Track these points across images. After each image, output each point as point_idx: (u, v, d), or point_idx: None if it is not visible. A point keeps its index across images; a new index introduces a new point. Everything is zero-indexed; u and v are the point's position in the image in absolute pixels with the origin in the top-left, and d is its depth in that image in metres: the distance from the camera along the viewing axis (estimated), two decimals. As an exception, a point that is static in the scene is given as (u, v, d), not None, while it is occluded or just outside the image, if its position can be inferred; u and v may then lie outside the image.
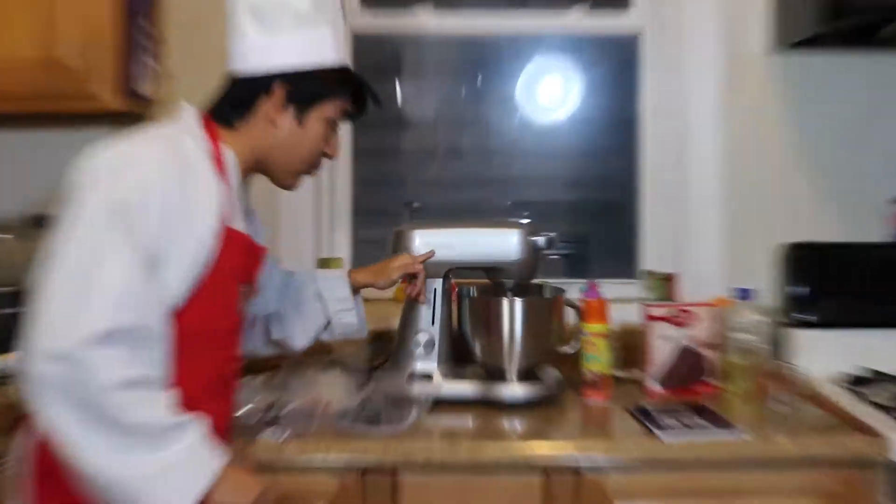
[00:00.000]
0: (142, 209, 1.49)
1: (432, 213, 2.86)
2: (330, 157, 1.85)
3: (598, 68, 2.87)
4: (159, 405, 1.48)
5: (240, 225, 1.70)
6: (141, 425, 1.44)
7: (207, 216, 1.59)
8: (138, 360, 1.46)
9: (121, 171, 1.51)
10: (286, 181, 1.83)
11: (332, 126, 1.82)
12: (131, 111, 2.33)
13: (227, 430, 1.72)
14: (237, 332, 1.75)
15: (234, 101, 1.75)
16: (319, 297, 2.09)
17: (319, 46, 1.75)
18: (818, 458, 1.92)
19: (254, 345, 2.11)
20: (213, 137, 1.72)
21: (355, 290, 2.14)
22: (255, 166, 1.79)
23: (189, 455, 1.48)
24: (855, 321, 2.45)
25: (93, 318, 1.41)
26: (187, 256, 1.55)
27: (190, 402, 1.54)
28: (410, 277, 2.19)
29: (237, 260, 1.68)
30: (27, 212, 2.44)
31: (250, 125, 1.75)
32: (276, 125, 1.75)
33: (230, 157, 1.72)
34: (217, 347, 1.69)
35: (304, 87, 1.75)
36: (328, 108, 1.79)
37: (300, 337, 2.10)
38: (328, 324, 2.11)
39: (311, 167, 1.84)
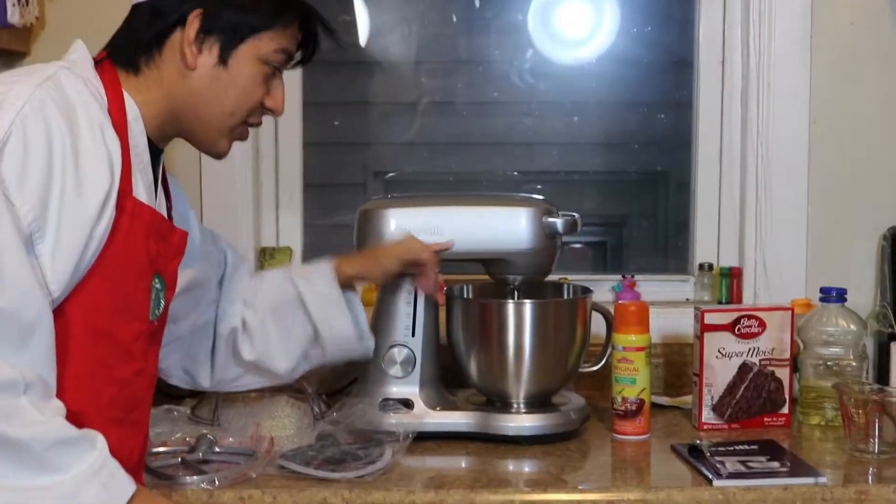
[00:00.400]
0: (14, 174, 1.54)
1: (411, 187, 2.96)
2: (271, 111, 1.89)
3: None
4: (47, 415, 1.53)
5: (145, 197, 1.73)
6: (25, 440, 1.50)
7: (98, 182, 1.62)
8: (11, 355, 1.51)
9: None
10: (212, 143, 1.87)
11: (270, 69, 1.85)
12: None
13: (135, 470, 1.77)
14: (149, 339, 1.81)
15: (140, 37, 1.78)
16: (300, 301, 2.15)
17: None
18: (923, 513, 2.00)
19: (222, 374, 2.17)
20: (112, 84, 1.75)
21: (346, 285, 2.18)
22: (171, 124, 1.83)
23: (92, 478, 1.54)
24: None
25: None
26: (71, 233, 1.59)
27: (81, 425, 1.60)
28: (414, 269, 2.23)
29: (140, 243, 1.72)
30: None
31: (161, 68, 1.78)
32: (192, 66, 1.77)
33: (133, 110, 1.76)
34: (118, 356, 1.73)
35: (226, 15, 1.78)
36: (262, 44, 1.81)
37: (281, 357, 2.15)
38: (315, 335, 2.15)
39: (244, 124, 1.87)
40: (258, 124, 1.92)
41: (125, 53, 1.79)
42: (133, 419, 1.80)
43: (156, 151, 1.83)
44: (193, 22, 1.76)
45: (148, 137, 1.78)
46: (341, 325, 2.14)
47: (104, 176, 1.64)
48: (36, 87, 1.60)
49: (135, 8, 1.81)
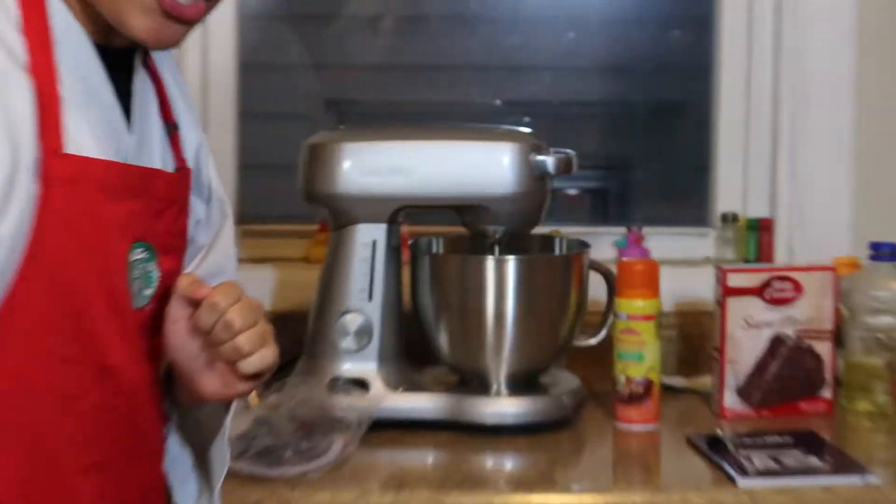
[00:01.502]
0: None
1: (371, 119, 2.97)
2: None
3: None
4: None
5: (93, 146, 1.59)
6: None
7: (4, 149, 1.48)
8: None
9: None
10: (117, 13, 1.64)
11: None
12: None
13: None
14: (140, 334, 1.68)
15: None
16: None
17: None
18: None
19: None
20: None
21: None
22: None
23: None
24: None
25: None
26: None
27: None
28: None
29: (94, 213, 1.59)
30: None
31: None
32: None
33: (62, 15, 1.62)
34: (88, 378, 1.61)
35: None
36: None
37: None
38: None
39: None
40: None
41: None
42: (120, 455, 1.67)
43: (119, 55, 1.68)
44: None
45: (105, 46, 1.63)
46: None
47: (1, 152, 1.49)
48: None
49: None
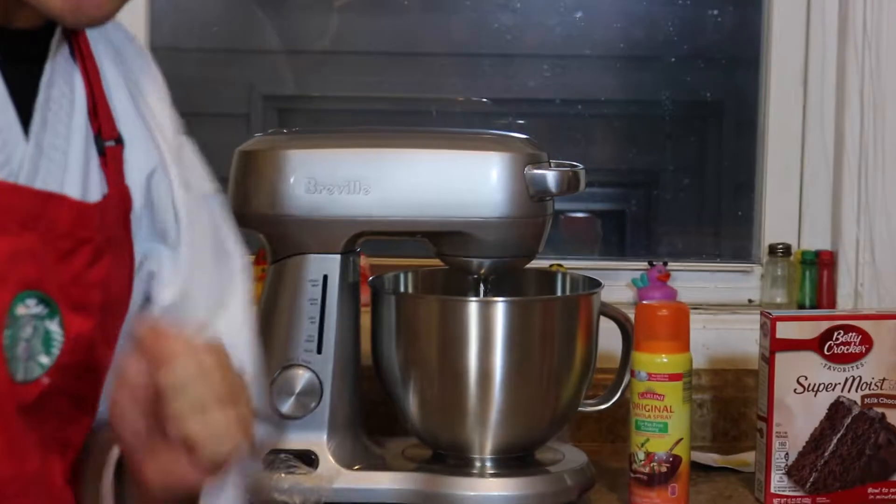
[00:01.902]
0: None
1: (322, 118, 3.01)
2: None
3: None
4: None
5: None
6: None
7: None
8: None
9: None
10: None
11: None
12: None
13: None
14: (27, 414, 1.63)
15: None
16: None
17: None
18: None
19: None
20: None
21: None
22: None
23: None
24: None
25: None
26: None
27: None
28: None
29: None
30: None
31: None
32: None
33: None
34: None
35: None
36: None
37: None
38: None
39: None
40: None
41: None
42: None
43: (23, 38, 1.66)
44: None
45: (2, 27, 1.62)
46: None
47: None
48: None
49: None
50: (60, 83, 1.65)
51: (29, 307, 1.57)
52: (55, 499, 1.65)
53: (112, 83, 1.72)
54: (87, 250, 1.64)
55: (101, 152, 1.67)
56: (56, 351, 1.60)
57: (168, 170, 1.75)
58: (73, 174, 1.63)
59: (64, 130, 1.64)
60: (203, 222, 1.80)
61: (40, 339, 1.58)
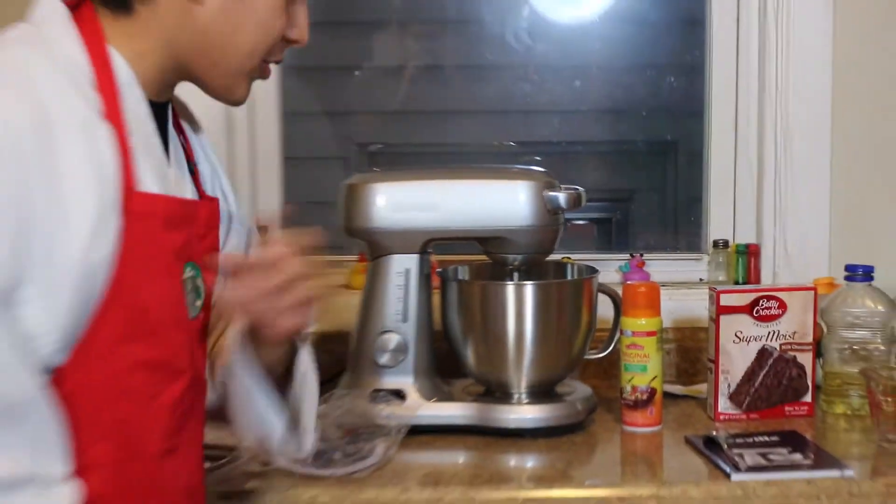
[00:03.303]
0: None
1: (399, 160, 3.02)
2: (296, 42, 1.78)
3: None
4: None
5: (156, 185, 1.63)
6: None
7: (86, 202, 1.51)
8: (17, 445, 1.46)
9: None
10: (227, 90, 1.76)
11: None
12: None
13: (195, 494, 1.78)
14: (196, 339, 1.73)
15: None
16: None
17: None
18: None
19: None
20: (95, 39, 1.62)
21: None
22: (174, 74, 1.73)
23: None
24: None
25: None
26: (63, 274, 1.50)
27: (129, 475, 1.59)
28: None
29: (159, 242, 1.64)
30: None
31: (157, 5, 1.65)
32: (198, 1, 1.65)
33: (125, 73, 1.64)
34: (163, 380, 1.66)
35: None
36: None
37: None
38: None
39: (265, 61, 1.77)
40: (280, 61, 1.80)
41: None
42: (187, 439, 1.74)
43: (159, 107, 1.73)
44: None
45: (151, 101, 1.69)
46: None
47: (93, 191, 1.52)
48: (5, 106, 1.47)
49: None
50: (174, 132, 1.77)
51: (189, 272, 1.68)
52: (205, 389, 1.79)
53: (187, 130, 1.84)
54: (214, 230, 1.79)
55: (192, 171, 1.79)
56: (202, 297, 1.74)
57: (224, 181, 1.91)
58: (189, 186, 1.76)
59: (181, 161, 1.77)
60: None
61: (195, 291, 1.71)
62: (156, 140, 1.67)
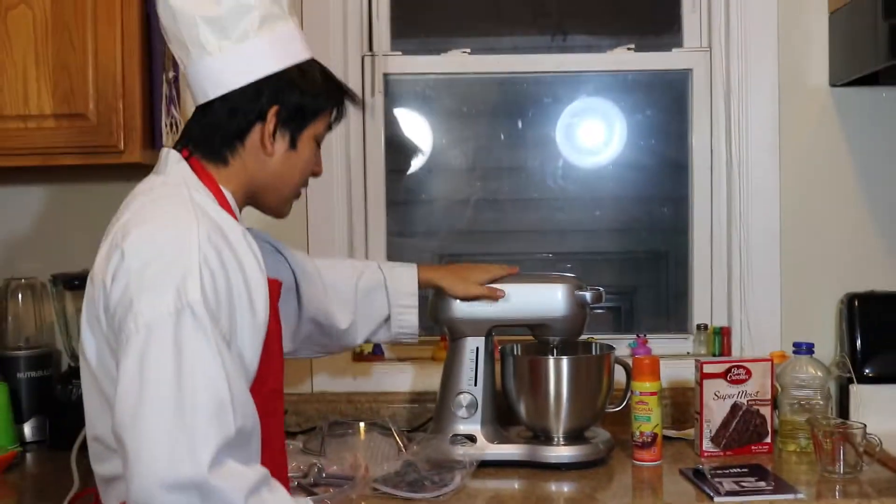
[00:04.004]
0: (209, 301, 1.50)
1: None
2: (317, 175, 1.86)
3: (646, 110, 2.99)
4: (280, 496, 1.54)
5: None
6: None
7: (260, 287, 1.59)
8: (248, 458, 1.50)
9: (173, 264, 1.51)
10: (280, 209, 1.83)
11: (319, 143, 1.82)
12: (150, 163, 2.42)
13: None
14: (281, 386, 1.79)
15: (222, 133, 1.70)
16: (385, 288, 2.20)
17: (290, 44, 1.72)
18: (883, 522, 2.01)
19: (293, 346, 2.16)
20: (210, 181, 1.70)
21: (424, 287, 2.24)
22: (247, 201, 1.79)
23: None
24: (923, 376, 2.55)
25: (205, 437, 1.43)
26: (254, 338, 1.58)
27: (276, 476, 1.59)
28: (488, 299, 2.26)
29: (274, 307, 1.68)
30: (42, 269, 2.63)
31: (244, 158, 1.72)
32: (270, 154, 1.72)
33: (232, 202, 1.72)
34: (279, 400, 1.74)
35: (295, 108, 1.72)
36: (318, 126, 1.78)
37: (356, 329, 2.20)
38: (388, 319, 2.22)
39: (301, 190, 1.85)
40: (306, 186, 1.87)
41: (212, 149, 1.71)
42: (284, 458, 1.80)
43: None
44: (272, 118, 1.70)
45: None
46: (409, 319, 2.21)
47: (260, 273, 1.61)
48: (197, 223, 1.56)
49: (204, 107, 1.72)
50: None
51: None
52: None
53: None
54: (278, 298, 1.76)
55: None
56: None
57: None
58: None
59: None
60: None
61: None
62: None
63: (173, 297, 1.47)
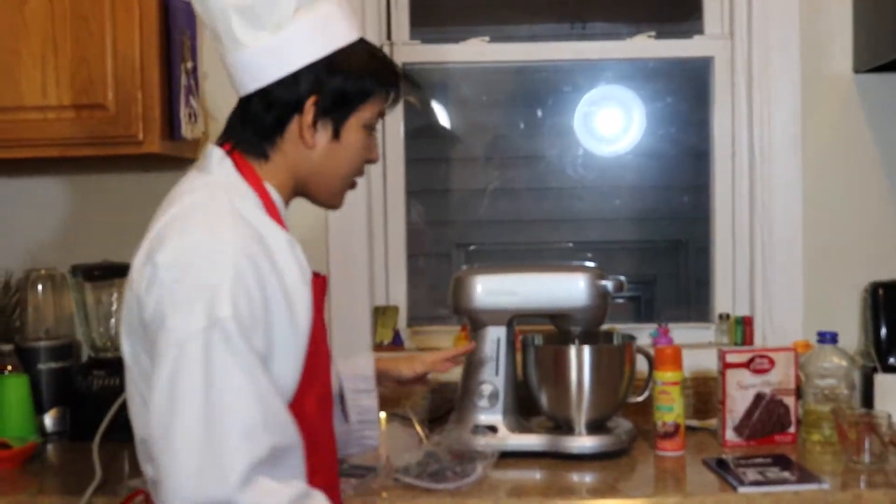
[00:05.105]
0: (241, 317, 1.46)
1: (488, 257, 2.98)
2: (373, 162, 1.77)
3: (666, 97, 2.99)
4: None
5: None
6: None
7: (302, 298, 1.55)
8: (286, 475, 1.48)
9: (205, 279, 1.47)
10: (331, 202, 1.76)
11: (371, 129, 1.72)
12: (169, 154, 2.43)
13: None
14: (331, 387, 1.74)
15: (262, 127, 1.64)
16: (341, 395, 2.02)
17: (333, 26, 1.64)
18: (908, 511, 2.00)
19: None
20: (254, 178, 1.64)
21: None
22: (293, 194, 1.72)
23: None
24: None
25: (233, 457, 1.41)
26: (295, 350, 1.54)
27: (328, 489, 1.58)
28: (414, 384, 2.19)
29: (320, 305, 1.63)
30: (62, 260, 2.63)
31: (285, 151, 1.65)
32: (311, 146, 1.65)
33: (277, 198, 1.66)
34: (329, 404, 1.69)
35: (336, 96, 1.64)
36: (365, 113, 1.68)
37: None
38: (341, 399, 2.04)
39: (355, 179, 1.77)
40: (362, 175, 1.78)
41: (252, 143, 1.65)
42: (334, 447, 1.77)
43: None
44: (310, 108, 1.62)
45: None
46: (367, 402, 2.04)
47: (303, 289, 1.56)
48: (233, 236, 1.51)
49: (245, 101, 1.66)
50: None
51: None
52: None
53: None
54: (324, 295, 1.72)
55: None
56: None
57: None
58: None
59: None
60: None
61: None
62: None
63: (203, 314, 1.44)
